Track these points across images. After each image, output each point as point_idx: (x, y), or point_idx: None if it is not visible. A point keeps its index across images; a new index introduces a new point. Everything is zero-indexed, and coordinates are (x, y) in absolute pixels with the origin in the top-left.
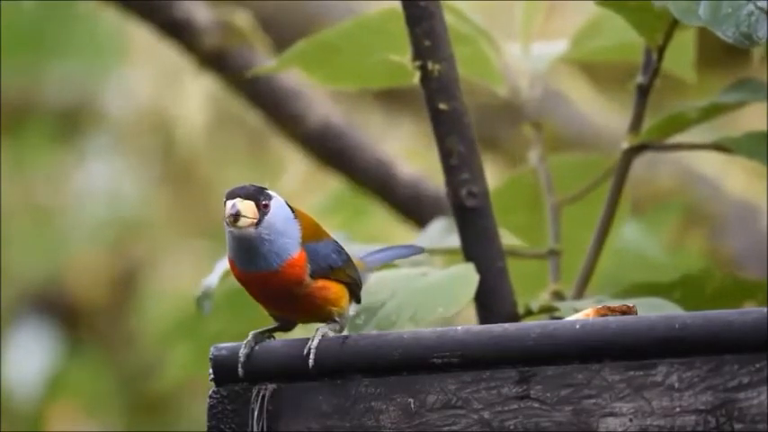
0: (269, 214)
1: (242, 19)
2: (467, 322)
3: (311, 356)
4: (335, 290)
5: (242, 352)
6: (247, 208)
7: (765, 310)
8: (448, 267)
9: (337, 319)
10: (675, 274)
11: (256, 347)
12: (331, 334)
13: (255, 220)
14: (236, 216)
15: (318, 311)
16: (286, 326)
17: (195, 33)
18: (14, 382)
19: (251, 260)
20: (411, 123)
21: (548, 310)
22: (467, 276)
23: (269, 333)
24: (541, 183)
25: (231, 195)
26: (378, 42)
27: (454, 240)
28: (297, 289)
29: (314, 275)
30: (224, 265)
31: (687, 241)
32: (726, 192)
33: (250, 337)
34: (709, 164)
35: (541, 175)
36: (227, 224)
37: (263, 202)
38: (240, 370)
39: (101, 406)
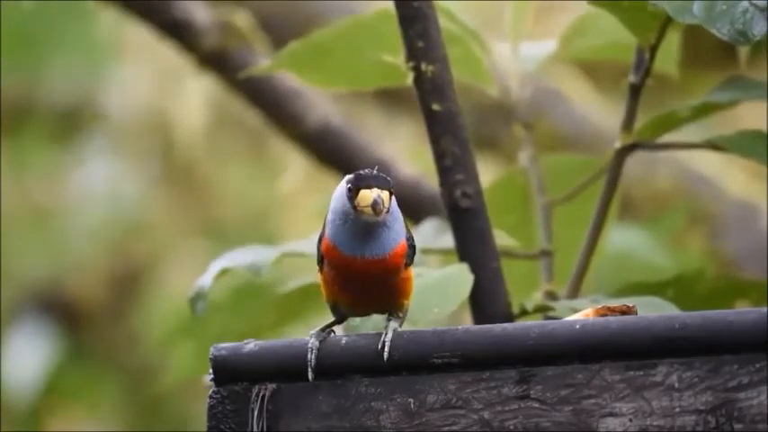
0: (393, 201)
1: (241, 19)
2: (469, 323)
3: (386, 350)
4: (412, 282)
5: (310, 357)
6: (386, 198)
7: (765, 310)
8: (442, 268)
9: (402, 313)
10: (671, 274)
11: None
12: (399, 329)
13: (388, 209)
14: (380, 205)
15: (394, 302)
16: (342, 320)
17: (195, 33)
18: (15, 382)
19: (365, 245)
20: (411, 123)
21: (542, 310)
22: (461, 276)
23: (328, 329)
24: (532, 183)
25: (368, 184)
26: (371, 43)
27: (448, 241)
28: (391, 278)
29: (405, 266)
30: (219, 265)
31: (687, 242)
32: (725, 192)
33: (313, 339)
34: (709, 164)
35: (532, 175)
36: (361, 211)
37: (393, 191)
38: (311, 374)
39: (101, 407)
